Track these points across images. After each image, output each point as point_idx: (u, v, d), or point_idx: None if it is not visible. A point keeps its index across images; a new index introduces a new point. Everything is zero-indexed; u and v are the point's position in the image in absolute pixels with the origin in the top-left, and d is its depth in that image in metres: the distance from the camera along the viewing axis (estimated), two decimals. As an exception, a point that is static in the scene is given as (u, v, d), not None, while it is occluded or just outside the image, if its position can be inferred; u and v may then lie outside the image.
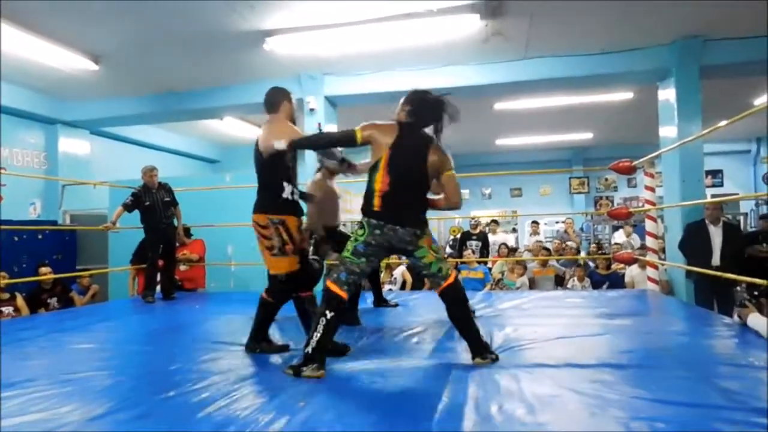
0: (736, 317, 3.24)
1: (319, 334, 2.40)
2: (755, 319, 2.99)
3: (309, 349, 2.39)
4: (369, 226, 2.49)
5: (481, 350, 2.52)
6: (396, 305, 4.36)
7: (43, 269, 5.59)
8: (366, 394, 2.13)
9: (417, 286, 6.66)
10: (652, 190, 5.00)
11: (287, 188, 2.88)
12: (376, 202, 2.50)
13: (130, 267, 6.04)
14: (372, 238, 2.49)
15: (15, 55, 5.95)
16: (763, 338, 2.80)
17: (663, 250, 6.27)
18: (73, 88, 7.36)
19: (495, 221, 9.36)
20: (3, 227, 5.75)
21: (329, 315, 2.42)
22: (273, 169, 2.87)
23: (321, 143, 2.90)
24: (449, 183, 2.59)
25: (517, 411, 1.85)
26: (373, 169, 2.54)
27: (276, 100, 3.01)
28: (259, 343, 2.90)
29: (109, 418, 1.92)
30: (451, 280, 2.56)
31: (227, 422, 1.83)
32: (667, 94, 6.34)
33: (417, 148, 2.55)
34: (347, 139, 2.60)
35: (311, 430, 1.76)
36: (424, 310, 4.12)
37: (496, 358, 2.52)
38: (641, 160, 4.95)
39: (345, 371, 2.46)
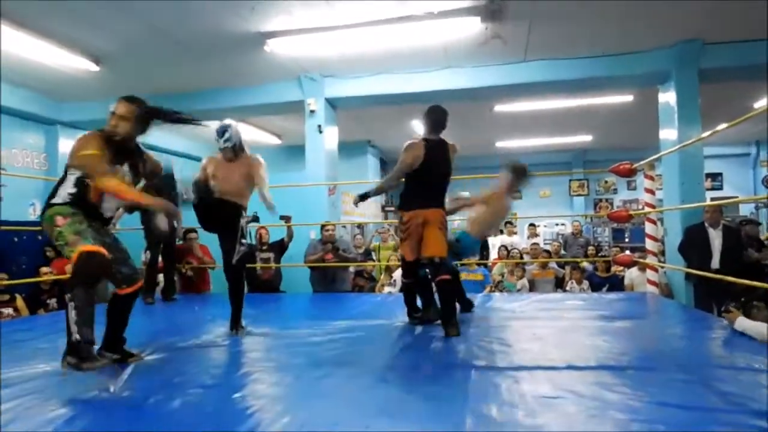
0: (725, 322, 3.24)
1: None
2: (743, 323, 3.01)
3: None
4: None
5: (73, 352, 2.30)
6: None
7: (44, 269, 5.58)
8: (364, 396, 2.13)
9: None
10: (652, 192, 5.00)
11: None
12: None
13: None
14: None
15: (16, 56, 5.96)
16: (756, 341, 2.81)
17: (663, 253, 6.27)
18: (74, 89, 7.36)
19: (510, 222, 9.34)
20: (3, 228, 5.75)
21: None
22: None
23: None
24: None
25: (516, 412, 1.85)
26: None
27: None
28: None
29: (107, 419, 1.92)
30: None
31: (228, 423, 1.83)
32: (668, 96, 6.35)
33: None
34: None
35: (313, 429, 1.75)
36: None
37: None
38: (641, 162, 4.96)
39: (339, 374, 2.45)
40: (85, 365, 2.28)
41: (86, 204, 2.57)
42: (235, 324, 3.48)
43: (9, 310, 5.13)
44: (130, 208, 5.09)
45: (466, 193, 4.25)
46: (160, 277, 5.51)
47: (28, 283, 5.54)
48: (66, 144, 8.23)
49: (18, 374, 2.49)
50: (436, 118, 3.52)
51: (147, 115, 2.74)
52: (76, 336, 2.28)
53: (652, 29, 5.73)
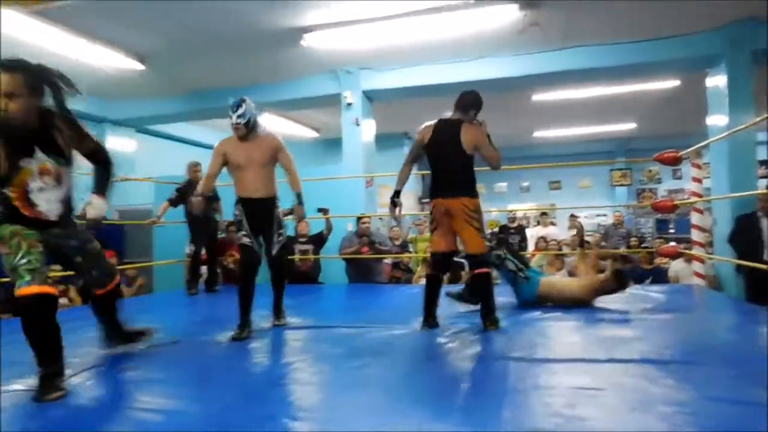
0: None
1: None
2: None
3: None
4: None
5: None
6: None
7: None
8: (403, 386, 2.15)
9: (452, 279, 6.63)
10: (699, 181, 4.82)
11: None
12: None
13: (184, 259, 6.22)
14: None
15: (66, 57, 6.20)
16: None
17: (710, 244, 6.04)
18: (120, 87, 7.64)
19: (545, 213, 9.22)
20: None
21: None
22: None
23: None
24: None
25: (557, 404, 1.83)
26: None
27: None
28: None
29: (149, 402, 2.00)
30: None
31: (271, 410, 1.89)
32: (717, 81, 6.06)
33: None
34: None
35: (353, 417, 1.79)
36: (459, 306, 4.10)
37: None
38: (688, 150, 4.78)
39: (377, 364, 2.47)
40: (45, 396, 2.00)
41: (21, 217, 2.14)
42: (277, 314, 3.55)
43: (64, 300, 5.40)
44: (174, 202, 5.29)
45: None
46: (204, 269, 5.69)
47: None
48: (113, 141, 8.57)
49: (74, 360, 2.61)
50: (461, 98, 3.36)
51: (40, 81, 2.17)
52: (40, 371, 2.05)
53: (699, 10, 5.47)
